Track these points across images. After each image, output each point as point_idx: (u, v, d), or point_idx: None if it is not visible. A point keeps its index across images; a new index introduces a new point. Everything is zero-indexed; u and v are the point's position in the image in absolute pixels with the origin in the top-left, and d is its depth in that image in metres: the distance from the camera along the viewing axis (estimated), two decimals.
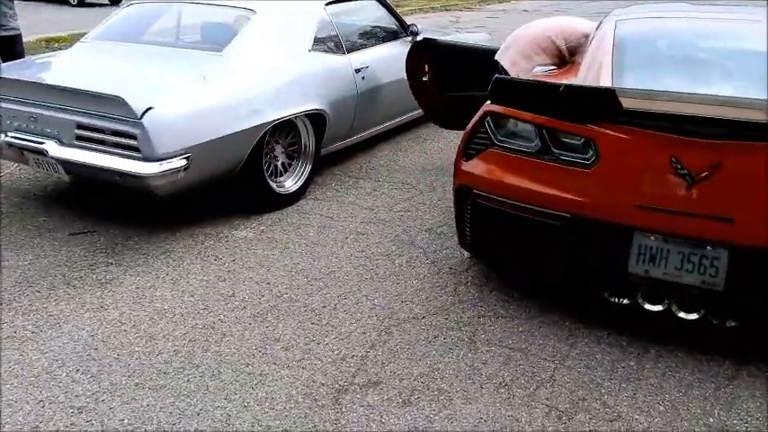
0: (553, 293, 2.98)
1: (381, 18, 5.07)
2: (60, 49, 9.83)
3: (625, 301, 2.51)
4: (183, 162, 3.22)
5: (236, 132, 3.48)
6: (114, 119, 3.15)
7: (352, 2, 4.72)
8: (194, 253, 3.43)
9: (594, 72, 2.82)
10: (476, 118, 2.68)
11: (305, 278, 3.19)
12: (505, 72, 3.76)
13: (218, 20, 4.22)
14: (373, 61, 4.63)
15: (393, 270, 3.28)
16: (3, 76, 3.59)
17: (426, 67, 4.54)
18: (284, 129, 3.89)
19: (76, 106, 3.26)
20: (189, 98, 3.33)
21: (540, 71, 3.32)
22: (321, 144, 4.23)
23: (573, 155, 2.42)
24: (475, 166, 2.69)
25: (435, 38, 4.48)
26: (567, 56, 3.61)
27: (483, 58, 4.49)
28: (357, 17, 4.84)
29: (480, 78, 4.40)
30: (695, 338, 2.64)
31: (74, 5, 18.21)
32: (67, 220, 3.79)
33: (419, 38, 5.14)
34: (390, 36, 5.07)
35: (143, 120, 3.08)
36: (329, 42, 4.33)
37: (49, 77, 3.45)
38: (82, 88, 3.19)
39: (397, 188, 4.40)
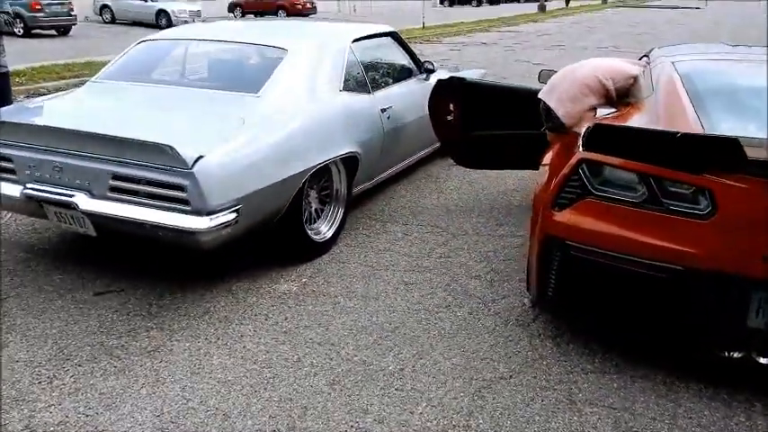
0: (632, 345, 2.85)
1: (397, 55, 4.95)
2: (22, 83, 9.34)
3: (736, 355, 2.40)
4: (234, 215, 2.97)
5: (283, 180, 3.25)
6: (158, 169, 2.88)
7: (373, 39, 4.58)
8: (240, 312, 3.15)
9: (673, 115, 2.75)
10: (568, 166, 2.55)
11: (370, 337, 2.97)
12: (550, 111, 3.68)
13: (247, 59, 3.99)
14: (396, 100, 4.49)
15: (459, 324, 3.10)
16: (20, 121, 3.27)
17: (451, 105, 4.42)
18: (318, 173, 3.68)
19: (112, 155, 2.97)
20: (236, 144, 3.08)
21: (605, 114, 3.24)
22: (352, 187, 4.04)
23: (685, 205, 2.31)
24: (569, 217, 2.55)
25: (463, 76, 4.37)
26: (614, 97, 3.55)
27: (512, 97, 4.42)
28: (377, 54, 4.70)
29: (509, 118, 4.35)
30: None
31: (20, 36, 17.46)
32: (86, 277, 3.45)
33: (436, 75, 5.06)
34: (407, 73, 4.95)
35: (194, 169, 2.82)
36: (356, 81, 4.17)
37: (76, 123, 3.12)
38: (122, 136, 2.91)
39: (428, 232, 4.24)
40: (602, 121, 2.55)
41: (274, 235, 3.53)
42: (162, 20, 22.26)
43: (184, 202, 2.89)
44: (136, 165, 2.93)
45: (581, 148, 2.53)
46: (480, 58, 14.13)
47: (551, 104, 3.66)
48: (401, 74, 4.88)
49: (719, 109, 2.77)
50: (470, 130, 4.44)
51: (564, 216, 2.57)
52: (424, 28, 21.65)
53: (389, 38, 4.83)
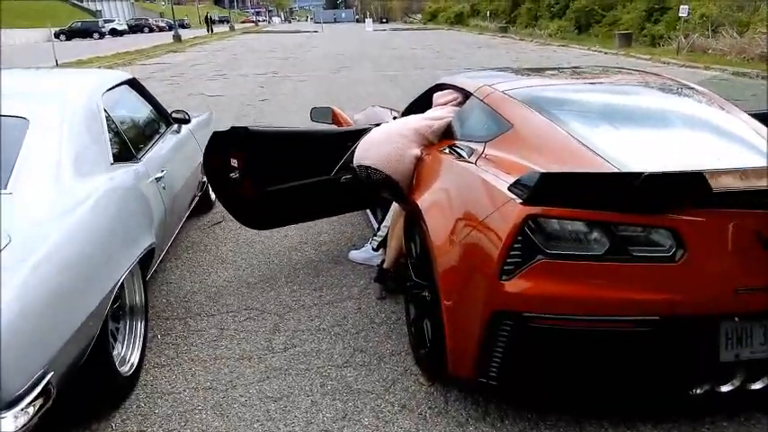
0: (556, 403, 2.60)
1: (144, 106, 3.93)
2: None
3: (699, 391, 2.29)
4: (47, 392, 1.85)
5: (92, 312, 2.18)
6: None
7: (119, 88, 3.52)
8: None
9: (557, 145, 2.58)
10: (510, 226, 2.14)
11: None
12: (376, 172, 3.24)
13: None
14: (163, 164, 3.54)
15: None
16: None
17: (234, 161, 3.66)
18: None
19: None
20: (21, 279, 1.92)
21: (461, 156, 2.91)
22: (148, 288, 3.02)
23: (653, 249, 2.11)
24: (521, 285, 2.15)
25: (246, 125, 3.64)
26: (434, 141, 3.32)
27: (300, 143, 3.88)
28: (126, 108, 3.63)
29: (299, 166, 3.78)
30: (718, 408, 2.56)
31: None
32: None
33: (189, 126, 4.21)
34: (158, 127, 3.97)
35: None
36: (121, 147, 3.12)
37: None
38: None
39: (246, 318, 3.42)
40: (539, 170, 2.20)
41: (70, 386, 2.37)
42: None
43: None
44: None
45: (519, 202, 2.15)
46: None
47: (377, 165, 3.24)
48: (154, 129, 3.89)
49: (592, 133, 2.66)
50: (261, 186, 3.73)
51: (516, 285, 2.15)
52: (57, 66, 18.99)
53: (129, 86, 3.79)
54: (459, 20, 57.00)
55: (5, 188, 2.31)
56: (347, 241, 4.51)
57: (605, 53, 22.44)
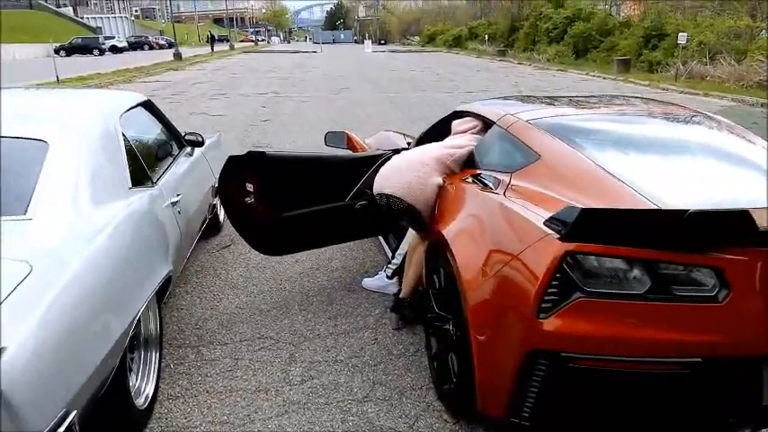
0: None
1: (158, 128, 3.87)
2: None
3: None
4: None
5: (114, 344, 2.10)
6: None
7: (135, 110, 3.46)
8: None
9: (586, 177, 2.52)
10: (547, 263, 2.08)
11: None
12: (398, 201, 3.18)
13: None
14: (178, 188, 3.47)
15: None
16: None
17: (249, 185, 3.60)
18: None
19: None
20: (43, 312, 1.84)
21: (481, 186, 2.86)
22: (163, 317, 2.93)
23: (696, 289, 2.05)
24: (559, 323, 2.08)
25: (263, 150, 3.58)
26: (456, 169, 3.26)
27: (316, 168, 3.82)
28: (141, 130, 3.57)
29: (315, 191, 3.72)
30: None
31: None
32: None
33: (202, 149, 4.15)
34: (173, 150, 3.90)
35: None
36: (138, 171, 3.05)
37: None
38: None
39: (261, 348, 3.33)
40: (578, 206, 2.14)
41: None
42: None
43: None
44: None
45: (556, 238, 2.09)
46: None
47: (398, 195, 3.18)
48: (169, 152, 3.82)
49: (622, 164, 2.61)
50: (277, 212, 3.67)
51: (554, 323, 2.09)
52: (59, 82, 18.99)
53: (144, 107, 3.73)
54: (457, 43, 57.27)
55: (25, 213, 2.23)
56: (359, 268, 4.44)
57: (604, 78, 22.58)
